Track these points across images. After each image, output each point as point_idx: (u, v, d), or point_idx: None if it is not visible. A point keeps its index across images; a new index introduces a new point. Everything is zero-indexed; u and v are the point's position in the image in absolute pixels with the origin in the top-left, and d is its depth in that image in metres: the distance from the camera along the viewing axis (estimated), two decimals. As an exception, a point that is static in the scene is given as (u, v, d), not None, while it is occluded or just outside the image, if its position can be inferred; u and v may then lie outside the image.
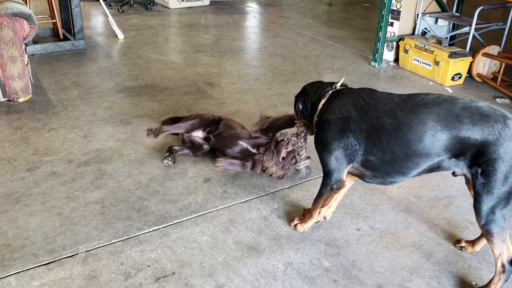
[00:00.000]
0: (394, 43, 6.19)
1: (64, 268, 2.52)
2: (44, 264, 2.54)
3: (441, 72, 5.50)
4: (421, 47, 5.71)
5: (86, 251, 2.64)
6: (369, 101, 2.43)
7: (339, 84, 2.70)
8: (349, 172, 2.61)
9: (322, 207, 2.77)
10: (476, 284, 2.54)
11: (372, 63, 6.11)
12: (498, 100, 5.12)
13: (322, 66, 6.03)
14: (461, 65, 5.48)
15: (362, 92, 2.54)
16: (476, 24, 5.55)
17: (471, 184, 2.32)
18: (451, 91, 5.36)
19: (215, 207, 3.09)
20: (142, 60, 6.00)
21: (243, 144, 3.45)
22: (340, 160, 2.51)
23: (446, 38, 5.97)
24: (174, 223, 2.91)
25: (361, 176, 2.60)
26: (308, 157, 3.17)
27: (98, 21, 8.08)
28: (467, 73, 5.63)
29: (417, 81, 5.66)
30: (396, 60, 6.23)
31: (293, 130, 3.22)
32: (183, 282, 2.46)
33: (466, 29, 5.79)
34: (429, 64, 5.64)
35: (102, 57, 6.11)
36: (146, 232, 2.81)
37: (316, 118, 2.67)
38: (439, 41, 5.68)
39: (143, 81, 5.30)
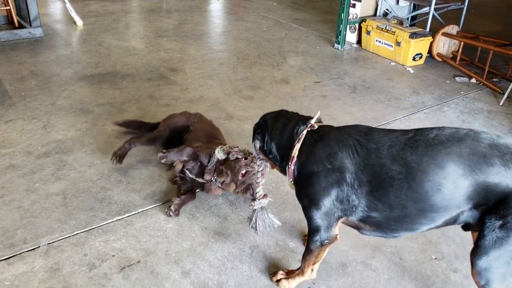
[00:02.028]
0: (357, 25, 6.24)
1: (25, 262, 2.46)
2: (4, 259, 2.47)
3: (402, 52, 5.58)
4: (382, 28, 5.77)
5: (48, 243, 2.59)
6: (368, 145, 1.96)
7: (314, 121, 2.19)
8: (342, 223, 2.15)
9: (314, 263, 2.29)
10: (436, 258, 2.63)
11: (336, 45, 6.15)
12: (457, 78, 5.26)
13: (286, 49, 6.03)
14: (421, 45, 5.58)
15: (354, 132, 2.04)
16: (435, 4, 5.65)
17: (477, 232, 1.90)
18: (412, 71, 5.46)
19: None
20: (103, 47, 5.85)
21: (188, 173, 2.99)
22: (332, 215, 2.05)
23: (407, 18, 6.05)
24: (138, 212, 2.87)
25: (356, 228, 2.16)
26: (265, 196, 2.51)
27: (55, 7, 7.81)
28: (428, 53, 5.74)
29: (380, 62, 5.74)
30: (359, 41, 6.29)
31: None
32: (149, 270, 2.44)
33: (426, 9, 5.89)
34: (391, 45, 5.72)
35: (61, 45, 5.92)
36: (109, 222, 2.77)
37: (292, 167, 2.16)
38: (400, 22, 5.76)
39: (104, 68, 5.17)
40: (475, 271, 1.88)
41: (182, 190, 2.97)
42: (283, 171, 2.28)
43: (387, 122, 4.20)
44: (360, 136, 2.01)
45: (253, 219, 2.52)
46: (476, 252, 1.86)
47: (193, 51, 5.83)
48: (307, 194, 2.11)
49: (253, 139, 2.38)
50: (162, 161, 2.90)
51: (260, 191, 2.49)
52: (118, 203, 2.94)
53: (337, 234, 2.15)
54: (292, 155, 2.15)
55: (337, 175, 1.99)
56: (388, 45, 5.76)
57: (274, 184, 3.19)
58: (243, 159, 2.79)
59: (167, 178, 3.18)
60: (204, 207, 2.97)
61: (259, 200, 2.48)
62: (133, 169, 3.31)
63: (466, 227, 1.99)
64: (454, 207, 1.84)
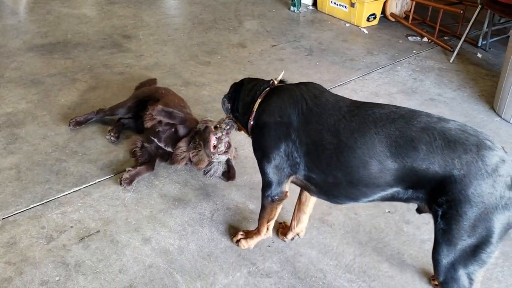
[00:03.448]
0: (312, -14, 6.20)
1: (-20, 238, 2.42)
2: (-43, 237, 2.43)
3: (356, 13, 5.61)
4: (337, -11, 5.77)
5: (2, 218, 2.55)
6: (313, 108, 1.99)
7: (278, 79, 2.27)
8: (293, 182, 2.21)
9: (269, 221, 2.33)
10: (389, 211, 2.76)
11: (292, 8, 6.11)
12: (410, 38, 5.36)
13: (243, 13, 5.95)
14: (375, 6, 5.62)
15: (306, 92, 2.08)
16: (388, -36, 5.68)
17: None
18: (366, 32, 5.51)
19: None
20: (52, 16, 5.59)
21: (156, 141, 2.97)
22: (281, 169, 2.09)
23: (361, -21, 6.05)
24: (95, 183, 2.85)
25: (306, 189, 2.21)
26: (225, 152, 2.64)
27: (-3, -27, 7.35)
28: (381, 14, 5.80)
29: (335, 24, 5.76)
30: (315, 4, 6.26)
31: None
32: (109, 239, 2.46)
33: (379, -31, 5.89)
34: (345, 6, 5.74)
35: (7, 14, 5.62)
36: (66, 194, 2.75)
37: (251, 122, 2.22)
38: (355, -17, 5.75)
39: (54, 37, 4.96)
40: (434, 268, 1.84)
41: (139, 162, 2.96)
42: (246, 128, 2.32)
43: (343, 83, 4.27)
44: (309, 97, 2.05)
45: (209, 167, 2.73)
46: (433, 247, 1.82)
47: (147, 17, 5.66)
48: (259, 145, 2.18)
49: (223, 98, 2.45)
50: (154, 113, 2.85)
51: (221, 147, 2.59)
52: (75, 174, 2.91)
53: (287, 192, 2.21)
54: (253, 109, 2.21)
55: (284, 129, 2.04)
56: (343, 6, 5.78)
57: (234, 149, 3.21)
58: (213, 127, 2.69)
59: (125, 148, 3.15)
60: (163, 175, 2.97)
61: (219, 155, 2.61)
62: (89, 139, 3.26)
63: (418, 210, 2.02)
64: (385, 185, 1.83)
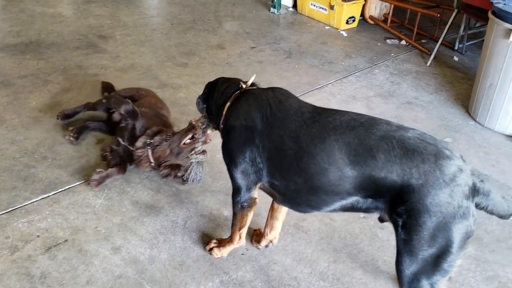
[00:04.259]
0: (292, -12, 6.18)
1: None
2: None
3: (336, 16, 5.61)
4: (317, -9, 5.75)
5: (-34, 228, 2.46)
6: (276, 113, 1.97)
7: (249, 83, 2.24)
8: (261, 189, 2.16)
9: (241, 229, 2.29)
10: (364, 217, 2.74)
11: (272, 9, 6.07)
12: (388, 41, 5.37)
13: (222, 14, 5.89)
14: (354, 9, 5.62)
15: (272, 97, 2.05)
16: (367, -33, 5.68)
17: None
18: (345, 35, 5.51)
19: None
20: (25, 14, 5.45)
21: (120, 140, 2.93)
22: (248, 175, 2.05)
23: (341, -19, 6.05)
24: (65, 189, 2.77)
25: (272, 196, 2.17)
26: (203, 151, 2.61)
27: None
28: (361, 16, 5.80)
29: (315, 26, 5.74)
30: (295, 5, 6.24)
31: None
32: (77, 248, 2.38)
33: (358, -28, 5.90)
34: (325, 9, 5.72)
35: (-23, 12, 5.47)
36: (34, 201, 2.66)
37: (221, 125, 2.20)
38: (334, -15, 5.75)
39: (27, 37, 4.83)
40: (397, 279, 1.83)
41: (111, 165, 2.89)
42: (220, 131, 2.31)
43: (321, 86, 4.25)
44: (274, 102, 2.03)
45: (189, 170, 2.64)
46: (396, 257, 1.80)
47: (124, 17, 5.56)
48: (227, 149, 2.15)
49: (198, 97, 2.42)
50: (104, 101, 3.01)
51: (199, 146, 2.55)
52: (43, 180, 2.82)
53: (256, 198, 2.17)
54: (223, 112, 2.18)
55: (249, 134, 2.02)
56: (322, 8, 5.76)
57: (210, 153, 3.16)
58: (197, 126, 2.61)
59: (97, 153, 3.07)
60: (135, 181, 2.91)
61: (196, 155, 2.58)
62: (59, 144, 3.17)
63: (380, 219, 1.98)
64: (344, 193, 1.81)
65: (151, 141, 2.83)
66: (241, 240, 2.36)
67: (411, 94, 4.22)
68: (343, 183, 1.79)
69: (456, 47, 5.17)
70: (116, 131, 3.03)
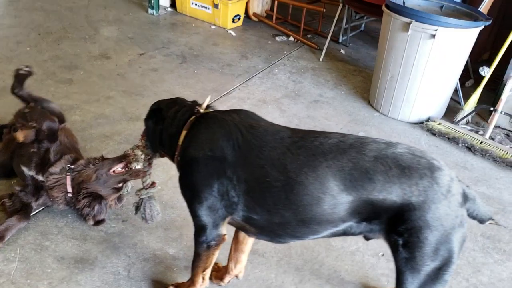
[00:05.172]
0: (168, -13, 5.84)
1: None
2: None
3: (221, 15, 5.44)
4: (197, -10, 5.51)
5: None
6: (251, 140, 1.76)
7: (204, 106, 1.98)
8: (229, 223, 1.92)
9: (204, 270, 2.02)
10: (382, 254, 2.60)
11: (150, 10, 5.66)
12: (277, 38, 5.38)
13: (96, 18, 5.31)
14: (238, 6, 5.51)
15: (240, 121, 1.83)
16: (245, -36, 5.60)
17: (392, 255, 1.75)
18: (234, 34, 5.38)
19: (16, 221, 2.43)
20: None
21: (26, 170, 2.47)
22: (215, 211, 1.82)
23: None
24: (-38, 261, 2.18)
25: (243, 230, 1.96)
26: (153, 184, 2.24)
27: None
28: (245, 14, 5.72)
29: (200, 26, 5.50)
30: (173, 5, 5.91)
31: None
32: (3, 337, 1.88)
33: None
34: (208, 8, 5.52)
35: None
36: None
37: (178, 157, 1.92)
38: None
39: None
40: None
41: (10, 212, 2.37)
42: (173, 161, 2.00)
43: (228, 91, 4.06)
44: (245, 129, 1.80)
45: (141, 209, 2.22)
46: (397, 277, 1.74)
47: (-24, 28, 4.68)
48: (188, 184, 1.88)
49: (145, 119, 2.06)
50: (26, 110, 2.60)
51: (147, 179, 2.21)
52: None
53: (225, 234, 1.93)
54: (179, 143, 1.90)
55: (217, 165, 1.77)
56: (205, 7, 5.55)
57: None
58: (132, 156, 2.25)
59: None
60: (52, 231, 2.41)
61: (146, 189, 2.21)
62: None
63: (366, 238, 1.90)
64: (338, 221, 1.70)
65: (72, 166, 2.41)
66: (204, 282, 2.09)
67: (315, 92, 4.26)
68: (337, 211, 1.66)
69: (340, 40, 5.39)
70: (16, 158, 2.53)
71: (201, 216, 1.83)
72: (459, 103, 4.19)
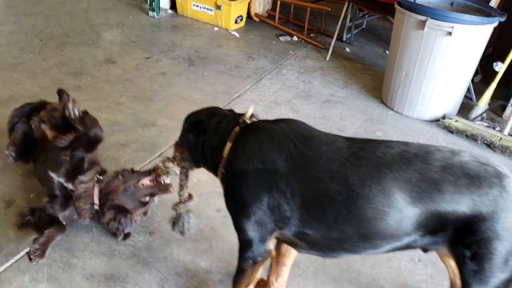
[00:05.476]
0: (168, -12, 5.74)
1: None
2: None
3: (224, 16, 5.36)
4: (199, -9, 5.42)
5: None
6: (305, 151, 1.67)
7: (248, 115, 1.88)
8: (275, 238, 1.84)
9: (247, 286, 1.93)
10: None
11: (150, 13, 5.56)
12: (281, 38, 5.31)
13: (97, 22, 5.19)
14: (241, 7, 5.44)
15: (291, 131, 1.74)
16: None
17: (456, 267, 1.69)
18: (237, 35, 5.30)
19: (40, 238, 2.34)
20: None
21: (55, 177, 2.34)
22: (264, 225, 1.73)
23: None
24: (-11, 283, 2.09)
25: (292, 245, 1.87)
26: (190, 196, 2.13)
27: None
28: (246, 14, 5.64)
29: (202, 28, 5.41)
30: (173, 7, 5.81)
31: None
32: None
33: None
34: (210, 9, 5.43)
35: None
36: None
37: (222, 170, 1.83)
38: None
39: None
40: None
41: (41, 228, 2.27)
42: (215, 174, 1.92)
43: (239, 94, 3.99)
44: (298, 139, 1.72)
45: (180, 223, 2.11)
46: None
47: (-26, 36, 4.55)
48: (235, 199, 1.80)
49: (182, 139, 1.99)
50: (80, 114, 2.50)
51: (184, 193, 2.10)
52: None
53: (271, 250, 1.85)
54: (223, 155, 1.81)
55: (268, 178, 1.69)
56: (207, 9, 5.46)
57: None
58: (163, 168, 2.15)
59: (12, 222, 2.37)
60: (78, 247, 2.33)
61: (183, 203, 2.10)
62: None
63: (425, 250, 1.81)
64: (403, 235, 1.63)
65: (101, 177, 2.34)
66: None
67: (326, 91, 4.21)
68: (403, 225, 1.59)
69: (344, 38, 5.34)
70: (42, 162, 2.46)
71: (248, 231, 1.76)
72: (471, 99, 4.16)
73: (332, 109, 3.93)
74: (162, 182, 2.24)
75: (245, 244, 1.81)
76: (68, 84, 3.86)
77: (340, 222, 1.63)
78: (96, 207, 2.31)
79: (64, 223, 2.32)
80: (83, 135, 2.40)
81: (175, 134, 3.31)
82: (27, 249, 2.18)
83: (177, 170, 2.07)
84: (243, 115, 1.89)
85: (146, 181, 2.30)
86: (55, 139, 2.44)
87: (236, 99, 3.90)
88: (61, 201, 2.32)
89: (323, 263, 2.40)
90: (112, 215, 2.30)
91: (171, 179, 2.25)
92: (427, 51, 3.53)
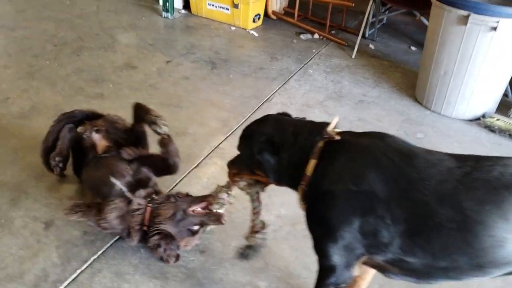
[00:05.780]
0: (181, -12, 5.55)
1: None
2: None
3: (241, 15, 5.17)
4: (215, -10, 5.24)
5: None
6: (408, 172, 1.50)
7: (331, 127, 1.68)
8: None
9: None
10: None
11: (164, 13, 5.37)
12: (302, 36, 5.14)
13: (109, 25, 5.00)
14: (259, 5, 5.26)
15: (388, 149, 1.57)
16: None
17: None
18: (256, 35, 5.13)
19: (86, 260, 2.17)
20: None
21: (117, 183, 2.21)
22: (351, 250, 1.58)
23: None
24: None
25: (379, 269, 1.71)
26: (263, 224, 1.97)
27: None
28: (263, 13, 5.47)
29: (219, 28, 5.23)
30: (186, 6, 5.62)
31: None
32: None
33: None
34: (227, 8, 5.25)
35: None
36: None
37: (305, 187, 1.67)
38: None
39: None
40: None
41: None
42: (294, 189, 1.75)
43: (268, 97, 3.82)
44: (398, 158, 1.54)
45: (251, 254, 1.94)
46: None
47: (-15, 43, 4.35)
48: (320, 220, 1.64)
49: (259, 153, 1.72)
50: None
51: (257, 220, 1.94)
52: None
53: (356, 276, 1.69)
54: (307, 173, 1.64)
55: (362, 201, 1.53)
56: (224, 8, 5.27)
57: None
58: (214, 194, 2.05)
59: (55, 244, 2.20)
60: (128, 271, 2.15)
61: (258, 233, 1.93)
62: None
63: None
64: None
65: (155, 197, 2.20)
66: None
67: (357, 91, 4.04)
68: None
69: (366, 35, 5.17)
70: (101, 170, 2.30)
71: (332, 255, 1.60)
72: (507, 95, 4.01)
73: (367, 110, 3.77)
74: (214, 211, 2.06)
75: (327, 270, 1.65)
76: (90, 91, 3.68)
77: (451, 251, 1.46)
78: (145, 228, 2.15)
79: (112, 240, 2.17)
80: (160, 158, 2.30)
81: (210, 142, 3.22)
82: (75, 274, 2.02)
83: (231, 200, 1.92)
84: (322, 126, 1.70)
85: (197, 207, 2.12)
86: (111, 149, 2.36)
87: (266, 103, 3.72)
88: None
89: (387, 280, 2.24)
90: (157, 241, 2.13)
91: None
92: (469, 48, 3.37)
